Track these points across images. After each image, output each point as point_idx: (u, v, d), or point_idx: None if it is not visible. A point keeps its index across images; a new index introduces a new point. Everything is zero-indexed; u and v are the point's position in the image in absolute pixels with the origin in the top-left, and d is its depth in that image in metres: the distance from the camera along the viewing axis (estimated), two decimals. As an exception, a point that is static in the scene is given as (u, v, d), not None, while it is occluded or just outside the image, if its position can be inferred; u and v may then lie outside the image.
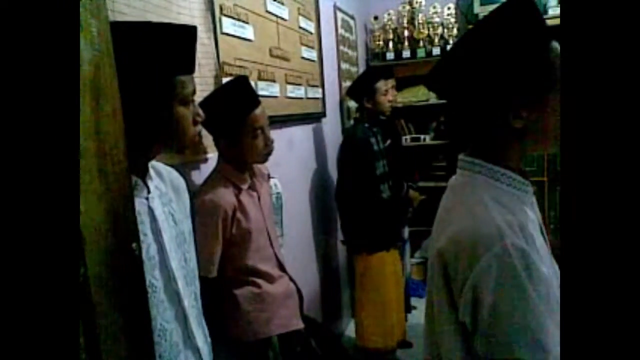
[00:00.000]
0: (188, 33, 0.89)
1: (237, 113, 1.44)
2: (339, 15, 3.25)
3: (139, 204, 0.83)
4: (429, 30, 3.73)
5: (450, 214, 0.81)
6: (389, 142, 2.82)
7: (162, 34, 0.84)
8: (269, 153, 1.55)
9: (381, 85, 2.59)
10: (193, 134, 0.91)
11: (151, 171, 0.92)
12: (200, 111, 0.92)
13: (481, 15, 3.56)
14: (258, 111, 1.47)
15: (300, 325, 1.61)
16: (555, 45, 0.75)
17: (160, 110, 0.84)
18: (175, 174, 1.03)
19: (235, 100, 1.44)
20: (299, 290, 1.64)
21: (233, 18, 1.72)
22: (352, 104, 3.45)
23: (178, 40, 0.86)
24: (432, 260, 0.80)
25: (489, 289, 0.68)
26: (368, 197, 2.54)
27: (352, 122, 3.30)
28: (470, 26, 3.60)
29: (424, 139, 3.87)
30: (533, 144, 0.79)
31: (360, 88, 2.65)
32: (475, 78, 0.76)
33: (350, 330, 3.05)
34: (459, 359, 0.75)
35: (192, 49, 0.90)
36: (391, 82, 2.93)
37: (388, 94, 2.62)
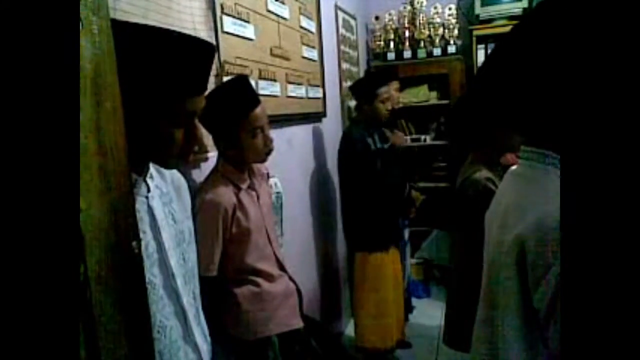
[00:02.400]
0: (203, 51, 0.82)
1: (237, 112, 1.44)
2: (340, 14, 3.25)
3: (139, 202, 0.84)
4: (430, 30, 3.74)
5: (526, 201, 0.78)
6: (390, 143, 2.82)
7: (174, 46, 0.77)
8: (269, 152, 1.54)
9: (382, 91, 2.58)
10: (174, 155, 0.84)
11: (153, 170, 0.91)
12: (198, 131, 0.85)
13: (482, 16, 3.57)
14: (258, 110, 1.47)
15: (300, 324, 1.61)
16: None
17: (144, 127, 0.77)
18: (177, 174, 1.03)
19: (235, 100, 1.43)
20: (298, 290, 1.64)
21: (234, 17, 1.72)
22: (353, 104, 3.45)
23: (188, 57, 0.79)
24: (503, 249, 0.78)
25: None
26: (368, 196, 2.55)
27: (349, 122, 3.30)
28: (471, 27, 3.60)
29: (425, 140, 3.87)
30: None
31: (363, 89, 2.66)
32: (531, 70, 0.74)
33: (349, 330, 3.05)
34: (522, 344, 0.75)
35: (206, 69, 0.84)
36: (395, 84, 2.93)
37: (387, 103, 2.62)
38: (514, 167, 0.88)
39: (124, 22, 0.76)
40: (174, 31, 0.80)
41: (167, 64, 0.76)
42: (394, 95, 2.78)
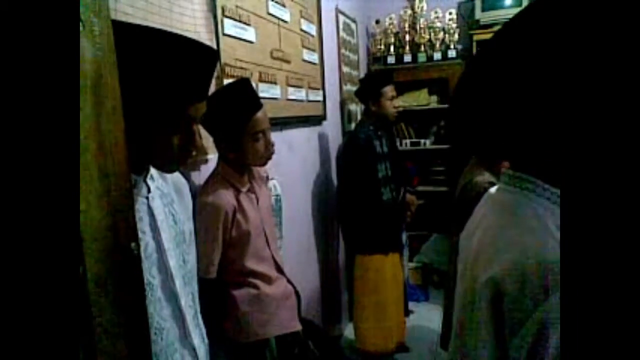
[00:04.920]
0: (206, 57, 0.80)
1: (239, 116, 1.44)
2: (341, 18, 3.25)
3: (139, 203, 0.84)
4: (430, 35, 3.75)
5: (501, 236, 0.70)
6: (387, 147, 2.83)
7: (176, 51, 0.76)
8: (270, 156, 1.55)
9: (387, 89, 2.61)
10: (172, 160, 0.83)
11: (154, 172, 0.91)
12: (197, 137, 0.83)
13: (482, 21, 3.58)
14: (260, 114, 1.47)
15: (298, 327, 1.61)
16: None
17: (142, 132, 0.76)
18: (178, 175, 1.03)
19: (237, 103, 1.43)
20: (296, 292, 1.64)
21: (235, 20, 1.73)
22: (353, 107, 3.45)
23: (190, 63, 0.77)
24: (476, 286, 0.70)
25: (559, 329, 0.60)
26: (369, 199, 2.55)
27: (353, 125, 3.30)
28: (472, 31, 3.61)
29: (424, 144, 3.88)
30: None
31: (368, 91, 2.67)
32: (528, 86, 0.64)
33: (349, 332, 3.05)
34: None
35: (208, 76, 0.82)
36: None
37: (394, 100, 2.64)
38: (493, 189, 0.80)
39: (126, 23, 0.76)
40: (175, 34, 0.79)
41: (169, 70, 0.76)
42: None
